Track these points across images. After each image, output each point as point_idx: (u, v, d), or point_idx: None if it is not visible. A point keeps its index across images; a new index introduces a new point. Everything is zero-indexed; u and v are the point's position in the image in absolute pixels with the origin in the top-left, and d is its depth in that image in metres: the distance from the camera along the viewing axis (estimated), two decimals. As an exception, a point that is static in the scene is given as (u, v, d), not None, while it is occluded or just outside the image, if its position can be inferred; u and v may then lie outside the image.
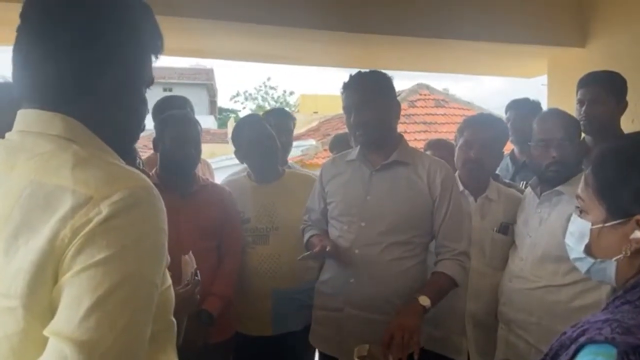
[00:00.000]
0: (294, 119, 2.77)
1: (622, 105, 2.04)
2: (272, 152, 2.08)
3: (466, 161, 1.88)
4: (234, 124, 14.24)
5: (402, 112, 9.42)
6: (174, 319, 0.80)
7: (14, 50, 0.74)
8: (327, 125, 11.24)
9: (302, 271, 2.01)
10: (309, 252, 1.73)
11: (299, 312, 2.04)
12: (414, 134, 8.27)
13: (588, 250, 0.88)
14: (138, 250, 0.65)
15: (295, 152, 7.75)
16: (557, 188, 1.64)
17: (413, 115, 8.78)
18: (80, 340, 0.59)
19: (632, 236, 0.79)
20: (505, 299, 1.72)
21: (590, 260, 0.88)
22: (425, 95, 9.24)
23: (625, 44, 2.68)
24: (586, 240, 0.87)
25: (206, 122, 19.93)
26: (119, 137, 0.78)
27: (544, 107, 2.96)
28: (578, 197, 0.91)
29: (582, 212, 0.89)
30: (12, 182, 0.68)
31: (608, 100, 1.98)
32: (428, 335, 1.72)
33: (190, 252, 1.61)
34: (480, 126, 1.91)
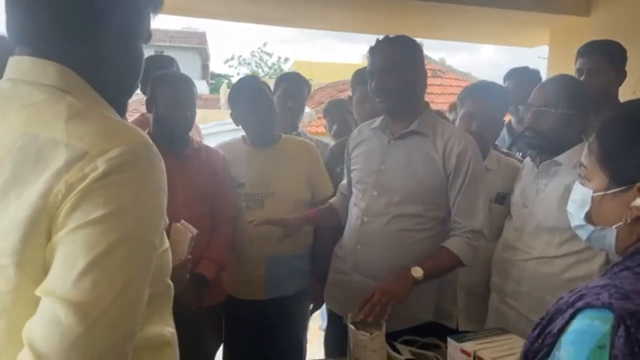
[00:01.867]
0: (309, 85, 2.69)
1: (621, 75, 2.02)
2: (268, 116, 2.03)
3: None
4: (227, 89, 14.04)
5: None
6: (170, 282, 0.79)
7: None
8: (321, 93, 11.09)
9: (297, 237, 1.99)
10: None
11: (292, 277, 2.05)
12: (409, 104, 8.24)
13: (589, 218, 0.87)
14: (136, 209, 0.63)
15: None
16: (555, 158, 1.61)
17: (409, 84, 8.71)
18: (75, 302, 0.57)
19: (633, 204, 0.79)
20: (498, 269, 1.73)
21: (591, 227, 0.87)
22: (421, 64, 9.13)
23: (630, 13, 2.63)
24: (587, 208, 0.87)
25: (198, 87, 19.47)
26: (114, 91, 0.76)
27: (544, 77, 2.92)
28: (581, 164, 0.90)
29: (584, 179, 0.88)
30: (3, 133, 0.64)
31: (607, 70, 1.96)
32: None
33: (183, 220, 1.59)
34: (482, 97, 1.89)
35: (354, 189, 1.81)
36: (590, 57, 2.00)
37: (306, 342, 2.29)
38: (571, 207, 0.92)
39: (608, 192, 0.83)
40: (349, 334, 1.45)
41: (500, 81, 2.63)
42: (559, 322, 0.75)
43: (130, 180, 0.63)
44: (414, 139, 1.66)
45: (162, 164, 0.69)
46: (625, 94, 2.06)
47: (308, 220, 1.95)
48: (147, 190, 0.65)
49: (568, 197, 1.55)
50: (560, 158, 1.61)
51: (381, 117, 1.75)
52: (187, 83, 1.90)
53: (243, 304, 2.03)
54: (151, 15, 0.80)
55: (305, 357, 2.24)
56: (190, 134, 1.99)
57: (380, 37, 1.69)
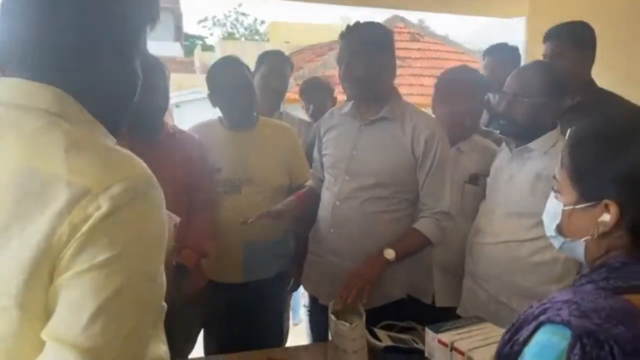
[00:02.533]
0: (291, 64, 2.64)
1: (588, 56, 2.01)
2: (248, 101, 2.00)
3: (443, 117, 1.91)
4: (201, 52, 13.67)
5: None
6: (165, 304, 0.79)
7: (2, 10, 0.68)
8: (298, 56, 10.85)
9: (275, 224, 1.97)
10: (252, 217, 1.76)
11: (269, 261, 2.06)
12: (387, 69, 8.16)
13: (559, 230, 0.90)
14: (141, 248, 0.62)
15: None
16: (528, 145, 1.65)
17: (387, 49, 8.60)
18: (85, 348, 0.57)
19: (600, 219, 0.82)
20: (469, 252, 1.79)
21: (562, 239, 0.91)
22: (400, 28, 8.97)
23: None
24: (558, 220, 0.90)
25: (172, 49, 18.99)
26: (110, 111, 0.74)
27: (522, 51, 2.92)
28: (554, 177, 0.92)
29: (557, 192, 0.91)
30: (3, 164, 0.62)
31: (571, 54, 1.96)
32: None
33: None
34: (453, 91, 1.91)
35: (326, 174, 1.85)
36: (552, 42, 2.00)
37: (288, 323, 2.33)
38: (545, 218, 0.95)
39: (577, 206, 0.86)
40: (330, 324, 1.49)
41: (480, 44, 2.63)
42: (524, 332, 0.78)
43: (134, 217, 0.62)
44: (384, 124, 1.70)
45: (162, 194, 0.68)
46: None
47: (297, 206, 1.94)
48: (150, 226, 0.64)
49: (538, 184, 1.61)
50: (532, 144, 1.64)
51: (351, 103, 1.77)
52: (158, 67, 1.85)
53: (222, 287, 2.04)
54: (148, 30, 0.78)
55: (286, 338, 2.30)
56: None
57: (351, 23, 1.70)
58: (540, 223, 1.58)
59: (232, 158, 2.00)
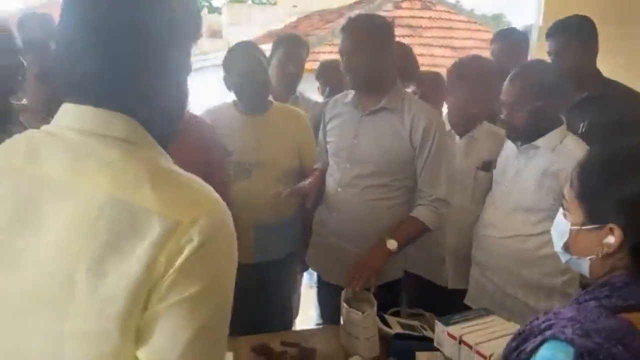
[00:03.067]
0: (306, 47, 2.64)
1: (591, 50, 2.03)
2: (263, 86, 2.03)
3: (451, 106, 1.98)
4: (207, 15, 13.39)
5: (387, 15, 8.98)
6: None
7: (62, 38, 0.70)
8: (306, 23, 10.68)
9: (284, 206, 2.06)
10: (288, 190, 1.87)
11: (279, 242, 2.12)
12: (398, 38, 7.99)
13: (566, 247, 0.95)
14: (227, 278, 0.67)
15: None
16: (534, 142, 1.68)
17: (398, 17, 8.39)
18: None
19: (605, 241, 0.87)
20: (478, 243, 1.84)
21: (568, 255, 0.96)
22: (412, -5, 8.79)
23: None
24: (565, 238, 0.95)
25: (177, 11, 18.56)
26: (167, 130, 0.77)
27: (535, 30, 2.89)
28: (563, 196, 0.97)
29: (566, 210, 0.95)
30: (85, 192, 0.65)
31: (574, 49, 1.99)
32: (413, 260, 1.96)
33: None
34: (465, 78, 1.93)
35: (330, 160, 1.92)
36: (554, 38, 2.03)
37: (298, 301, 2.42)
38: (553, 234, 1.00)
39: (583, 227, 0.90)
40: (342, 310, 1.57)
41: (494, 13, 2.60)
42: (530, 344, 0.84)
43: (220, 249, 0.66)
44: (384, 114, 1.76)
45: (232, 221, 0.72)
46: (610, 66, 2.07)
47: (318, 186, 1.97)
48: (233, 256, 0.69)
49: (545, 180, 1.65)
50: (539, 142, 1.67)
51: (354, 92, 1.83)
52: None
53: None
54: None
55: (295, 316, 2.39)
56: None
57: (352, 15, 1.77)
58: (546, 218, 1.65)
59: (244, 142, 2.03)
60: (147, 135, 0.72)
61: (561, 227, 0.96)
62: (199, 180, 0.70)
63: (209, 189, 0.70)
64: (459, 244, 1.95)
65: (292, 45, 2.54)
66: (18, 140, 0.72)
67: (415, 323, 1.71)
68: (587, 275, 0.94)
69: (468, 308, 1.79)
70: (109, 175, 0.65)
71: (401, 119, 1.74)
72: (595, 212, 0.89)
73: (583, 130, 1.95)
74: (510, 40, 2.48)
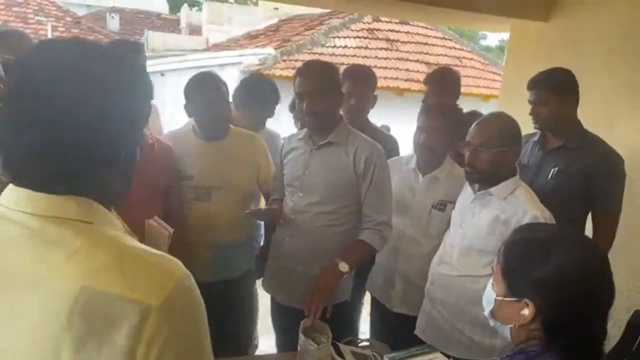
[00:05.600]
0: (277, 96, 2.74)
1: (569, 99, 2.14)
2: (222, 117, 2.12)
3: (417, 145, 2.10)
4: (188, 10, 13.15)
5: (366, 26, 9.05)
6: None
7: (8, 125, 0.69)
8: (287, 26, 10.73)
9: (242, 226, 2.17)
10: (252, 209, 2.01)
11: (238, 261, 2.21)
12: (375, 50, 8.14)
13: (492, 314, 1.08)
14: (200, 337, 0.71)
15: (252, 60, 7.46)
16: (489, 189, 1.79)
17: (376, 30, 8.55)
18: None
19: (521, 312, 0.99)
20: (432, 279, 1.93)
21: (493, 321, 1.08)
22: (390, 8, 8.93)
23: (587, 21, 2.73)
24: (491, 306, 1.07)
25: (156, 4, 18.41)
26: (122, 190, 0.79)
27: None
28: (492, 268, 1.09)
29: (493, 282, 1.07)
30: (54, 285, 0.65)
31: (551, 100, 2.11)
32: (371, 281, 2.24)
33: (156, 217, 1.68)
34: (432, 114, 2.08)
35: (285, 190, 2.07)
36: (534, 90, 2.16)
37: (257, 316, 2.51)
38: (483, 301, 1.11)
39: (505, 299, 1.03)
40: (300, 341, 1.66)
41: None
42: None
43: (191, 316, 0.70)
44: (331, 148, 1.95)
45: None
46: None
47: (280, 211, 2.08)
48: (202, 315, 0.72)
49: (496, 226, 1.77)
50: (493, 190, 1.78)
51: (305, 130, 2.02)
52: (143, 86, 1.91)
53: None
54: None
55: (252, 332, 2.47)
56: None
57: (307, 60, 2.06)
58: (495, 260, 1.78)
59: (203, 166, 2.11)
60: (101, 210, 0.73)
61: (488, 296, 1.09)
62: (162, 254, 0.72)
63: (174, 263, 0.72)
64: (408, 270, 2.10)
65: (264, 91, 2.66)
66: None
67: (368, 352, 1.80)
68: (510, 340, 1.06)
69: (417, 337, 1.92)
70: (78, 264, 0.66)
71: (346, 151, 1.92)
72: (514, 287, 1.01)
73: (553, 176, 2.09)
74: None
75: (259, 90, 2.66)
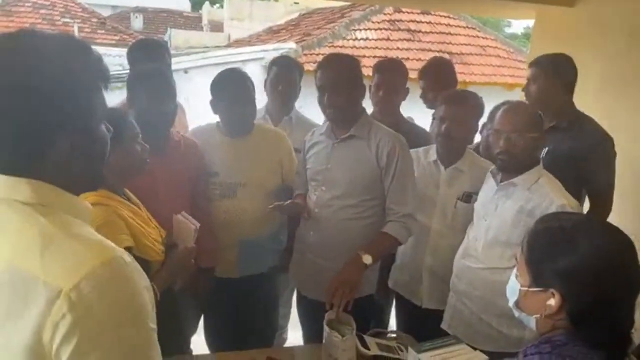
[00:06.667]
0: (300, 70, 2.67)
1: (562, 83, 2.16)
2: (248, 114, 2.13)
3: (438, 135, 2.06)
4: (210, 8, 13.20)
5: (387, 18, 8.95)
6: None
7: None
8: (307, 21, 10.71)
9: (267, 223, 2.18)
10: (277, 204, 1.99)
11: (263, 257, 2.21)
12: (397, 42, 8.06)
13: (517, 305, 1.07)
14: (120, 325, 0.68)
15: (274, 55, 7.46)
16: (512, 180, 1.77)
17: (398, 21, 8.45)
18: None
19: (548, 303, 0.98)
20: (457, 273, 1.93)
21: (519, 312, 1.07)
22: None
23: (613, 5, 2.65)
24: (516, 297, 1.06)
25: (179, 3, 18.61)
26: (86, 178, 0.80)
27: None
28: (515, 258, 1.08)
29: (517, 272, 1.06)
30: None
31: (540, 78, 2.15)
32: (395, 279, 2.21)
33: (184, 212, 1.72)
34: (453, 103, 2.03)
35: (309, 185, 2.08)
36: (531, 68, 2.21)
37: (289, 316, 2.53)
38: (507, 292, 1.10)
39: (530, 289, 1.02)
40: (324, 333, 1.67)
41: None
42: None
43: (108, 306, 0.67)
44: (353, 141, 1.94)
45: (136, 266, 0.73)
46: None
47: (304, 207, 2.08)
48: (125, 305, 0.69)
49: (521, 217, 1.75)
50: (517, 180, 1.76)
51: (327, 124, 2.03)
52: (165, 77, 1.92)
53: (219, 282, 2.18)
54: (102, 87, 0.79)
55: (280, 331, 2.50)
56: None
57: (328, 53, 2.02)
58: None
59: (228, 163, 2.12)
60: (58, 194, 0.73)
61: (513, 287, 1.07)
62: (99, 239, 0.72)
63: (100, 243, 0.71)
64: (435, 265, 2.07)
65: (284, 67, 2.60)
66: None
67: (393, 344, 1.80)
68: (535, 330, 1.05)
69: (444, 331, 1.91)
70: (10, 244, 0.69)
71: (368, 144, 1.91)
72: (539, 277, 1.00)
73: (543, 156, 2.07)
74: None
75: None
